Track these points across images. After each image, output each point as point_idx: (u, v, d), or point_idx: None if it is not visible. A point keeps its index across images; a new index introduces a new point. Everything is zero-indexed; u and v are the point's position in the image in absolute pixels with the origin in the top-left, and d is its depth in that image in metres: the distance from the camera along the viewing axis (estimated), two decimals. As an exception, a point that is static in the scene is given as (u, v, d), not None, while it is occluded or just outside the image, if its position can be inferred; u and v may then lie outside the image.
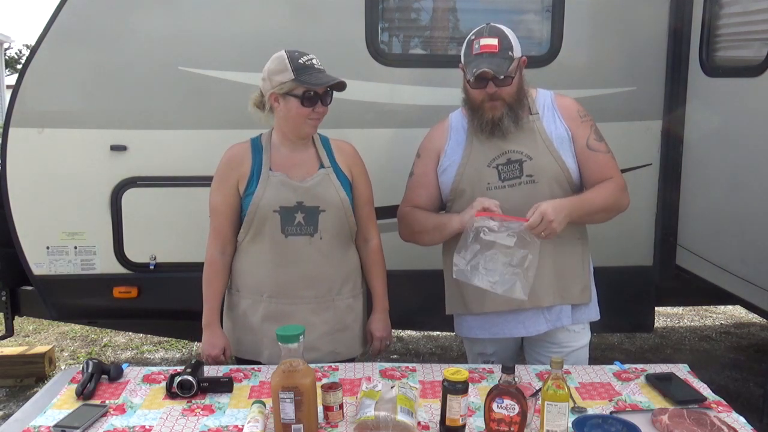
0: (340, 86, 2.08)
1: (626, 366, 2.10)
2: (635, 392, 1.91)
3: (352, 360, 2.24)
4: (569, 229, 2.16)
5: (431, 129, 2.30)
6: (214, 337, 2.20)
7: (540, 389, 1.64)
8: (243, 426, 1.69)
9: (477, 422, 1.71)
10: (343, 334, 2.23)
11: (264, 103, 2.12)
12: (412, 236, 2.26)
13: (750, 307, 2.82)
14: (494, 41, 2.04)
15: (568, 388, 1.60)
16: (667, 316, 5.34)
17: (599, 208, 2.15)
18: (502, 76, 2.02)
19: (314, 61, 2.07)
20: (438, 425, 1.69)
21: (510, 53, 2.05)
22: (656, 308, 3.53)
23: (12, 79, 16.25)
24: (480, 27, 2.11)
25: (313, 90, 2.03)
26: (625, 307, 3.30)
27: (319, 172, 2.15)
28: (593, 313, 2.26)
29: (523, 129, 2.14)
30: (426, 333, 4.83)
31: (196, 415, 1.78)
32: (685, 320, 5.32)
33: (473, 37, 2.09)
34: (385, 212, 2.83)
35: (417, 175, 2.26)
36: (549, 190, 2.12)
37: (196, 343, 4.59)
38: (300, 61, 2.04)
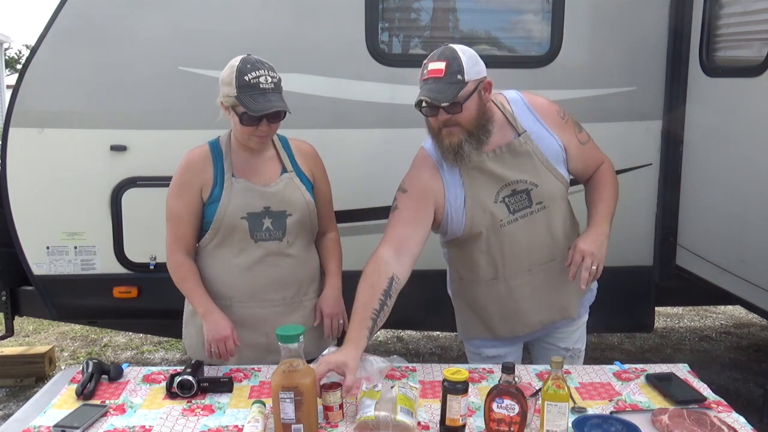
0: (281, 114, 2.01)
1: (626, 366, 2.10)
2: (635, 392, 1.91)
3: None
4: (573, 231, 2.17)
5: (416, 166, 2.09)
6: (221, 319, 2.09)
7: (540, 389, 1.64)
8: (243, 426, 1.69)
9: (477, 422, 1.71)
10: (312, 334, 2.21)
11: None
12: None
13: (750, 307, 2.82)
14: (441, 65, 1.88)
15: (568, 388, 1.60)
16: (667, 316, 5.34)
17: (617, 200, 2.16)
18: (443, 104, 1.87)
19: (262, 80, 1.96)
20: (438, 425, 1.69)
21: (459, 77, 1.87)
22: (656, 308, 3.53)
23: (12, 79, 16.25)
24: (437, 49, 1.96)
25: (248, 113, 1.96)
26: (625, 307, 3.30)
27: (283, 177, 2.13)
28: (594, 293, 2.30)
29: (517, 153, 2.03)
30: (426, 333, 4.83)
31: (196, 415, 1.78)
32: (685, 320, 5.32)
33: (426, 61, 1.94)
34: (384, 212, 2.83)
35: (401, 209, 2.04)
36: (559, 210, 2.11)
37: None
38: (246, 77, 1.95)
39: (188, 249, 2.15)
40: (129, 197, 3.05)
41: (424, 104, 1.92)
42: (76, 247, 3.09)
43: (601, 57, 3.15)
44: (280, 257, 2.13)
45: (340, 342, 2.23)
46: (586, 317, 2.31)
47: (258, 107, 1.96)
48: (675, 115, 3.14)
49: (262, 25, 2.99)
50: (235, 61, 2.00)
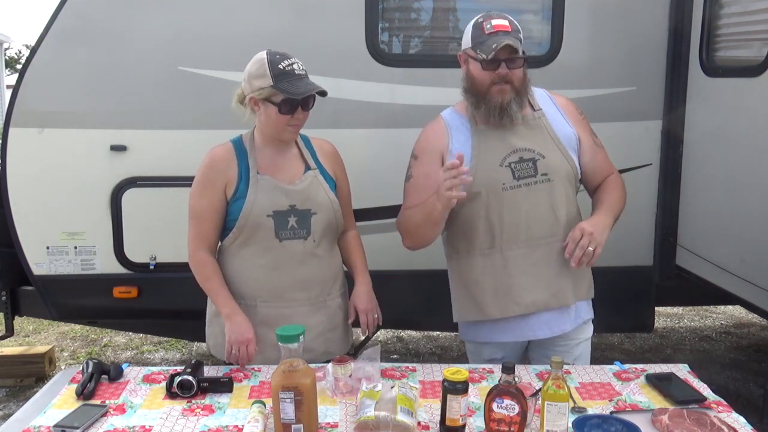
0: (321, 93, 2.04)
1: (626, 366, 2.10)
2: (635, 392, 1.91)
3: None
4: (576, 218, 2.17)
5: (425, 130, 2.21)
6: (244, 322, 2.07)
7: (540, 389, 1.64)
8: (243, 426, 1.69)
9: (477, 422, 1.71)
10: (335, 333, 2.22)
11: (246, 102, 2.09)
12: (412, 239, 2.21)
13: (750, 307, 2.82)
14: (506, 22, 2.03)
15: (568, 388, 1.60)
16: (667, 316, 5.34)
17: (622, 208, 2.19)
18: (522, 52, 2.01)
19: (295, 66, 2.00)
20: (438, 425, 1.69)
21: (520, 36, 2.03)
22: (656, 308, 3.53)
23: (12, 79, 16.24)
24: (483, 13, 2.09)
25: (292, 98, 1.99)
26: (625, 307, 3.30)
27: (307, 174, 2.13)
28: (591, 308, 2.29)
29: (530, 125, 2.12)
30: (426, 333, 4.83)
31: (196, 415, 1.78)
32: (685, 320, 5.32)
33: (481, 20, 2.05)
34: (386, 212, 2.84)
35: (415, 177, 2.18)
36: (564, 189, 2.12)
37: (196, 343, 4.60)
38: (280, 66, 1.98)
39: (211, 247, 2.14)
40: (129, 197, 3.05)
41: (491, 55, 1.98)
42: (76, 247, 3.09)
43: (601, 57, 3.15)
44: (306, 257, 2.12)
45: (358, 348, 2.26)
46: (590, 333, 2.28)
47: (300, 90, 1.98)
48: (675, 115, 3.14)
49: (262, 25, 2.99)
50: (262, 55, 2.02)
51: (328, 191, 2.14)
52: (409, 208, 2.17)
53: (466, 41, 2.09)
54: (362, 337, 2.31)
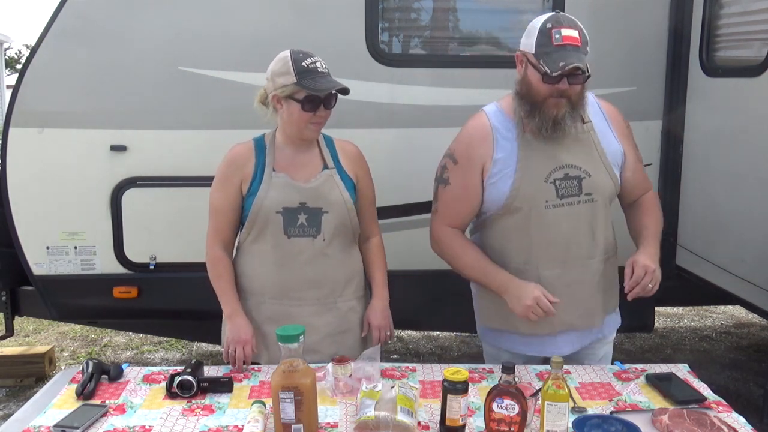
0: (344, 91, 2.05)
1: (626, 366, 2.10)
2: (635, 392, 1.91)
3: None
4: (612, 244, 2.14)
5: (468, 129, 2.08)
6: (244, 324, 2.10)
7: (540, 389, 1.64)
8: (243, 426, 1.69)
9: (477, 422, 1.71)
10: (345, 337, 2.21)
11: (268, 101, 2.10)
12: (446, 260, 2.16)
13: (750, 307, 2.82)
14: (576, 33, 1.89)
15: (568, 388, 1.60)
16: (667, 316, 5.34)
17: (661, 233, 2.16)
18: (588, 74, 1.90)
19: (318, 65, 2.03)
20: (438, 425, 1.69)
21: (587, 48, 1.91)
22: (656, 308, 3.53)
23: (12, 79, 16.24)
24: (551, 14, 1.94)
25: (315, 94, 2.01)
26: (625, 307, 3.28)
27: (323, 173, 2.13)
28: (618, 316, 2.29)
29: (579, 140, 2.02)
30: (426, 333, 4.83)
31: (196, 415, 1.78)
32: (685, 320, 5.32)
33: (550, 26, 1.89)
34: (385, 212, 2.83)
35: (456, 187, 2.06)
36: (604, 209, 2.07)
37: (196, 343, 4.60)
38: (303, 64, 2.01)
39: (226, 242, 2.17)
40: (129, 197, 3.05)
41: (558, 72, 1.86)
42: (76, 247, 3.09)
43: (601, 57, 3.13)
44: (315, 255, 2.12)
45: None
46: (612, 336, 2.26)
47: (323, 87, 2.00)
48: (675, 115, 3.14)
49: (262, 25, 2.99)
50: (285, 54, 2.04)
51: (343, 191, 2.14)
52: (456, 225, 2.11)
53: (529, 44, 1.93)
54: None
